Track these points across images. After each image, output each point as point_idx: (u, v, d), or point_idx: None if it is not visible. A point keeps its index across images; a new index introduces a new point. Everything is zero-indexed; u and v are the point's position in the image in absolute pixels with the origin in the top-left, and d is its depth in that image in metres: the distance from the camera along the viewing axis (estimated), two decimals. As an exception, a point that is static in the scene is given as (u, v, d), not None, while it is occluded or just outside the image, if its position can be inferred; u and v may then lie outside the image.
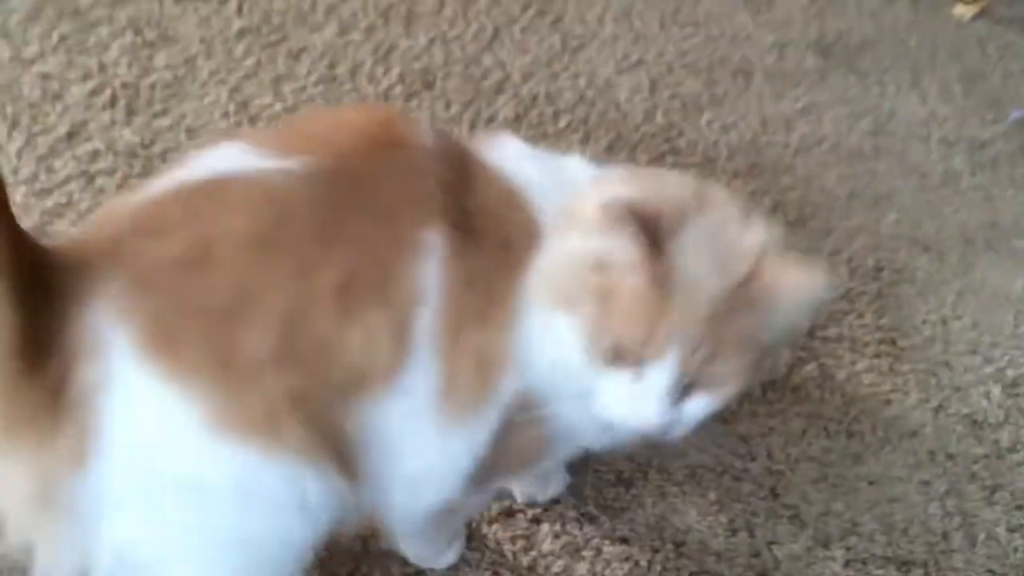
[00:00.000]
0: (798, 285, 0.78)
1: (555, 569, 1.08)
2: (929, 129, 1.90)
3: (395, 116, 0.86)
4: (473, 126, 1.62)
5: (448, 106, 1.64)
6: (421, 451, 0.83)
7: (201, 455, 0.72)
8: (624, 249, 0.76)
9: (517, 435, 0.86)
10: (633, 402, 0.79)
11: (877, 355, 1.42)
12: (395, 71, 1.68)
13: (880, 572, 1.15)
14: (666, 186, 0.83)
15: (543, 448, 0.92)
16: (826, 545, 1.17)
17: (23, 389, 0.69)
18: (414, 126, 0.86)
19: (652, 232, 0.76)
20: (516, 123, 1.65)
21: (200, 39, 1.60)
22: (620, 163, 1.45)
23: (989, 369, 1.43)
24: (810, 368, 1.37)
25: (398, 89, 1.65)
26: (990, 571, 1.17)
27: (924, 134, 1.88)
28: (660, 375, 0.78)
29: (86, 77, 1.45)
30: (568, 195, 0.85)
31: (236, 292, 0.72)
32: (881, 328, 1.45)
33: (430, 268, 0.79)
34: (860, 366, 1.39)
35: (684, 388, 0.79)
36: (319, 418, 0.75)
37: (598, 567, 1.09)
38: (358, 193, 0.78)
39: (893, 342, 1.44)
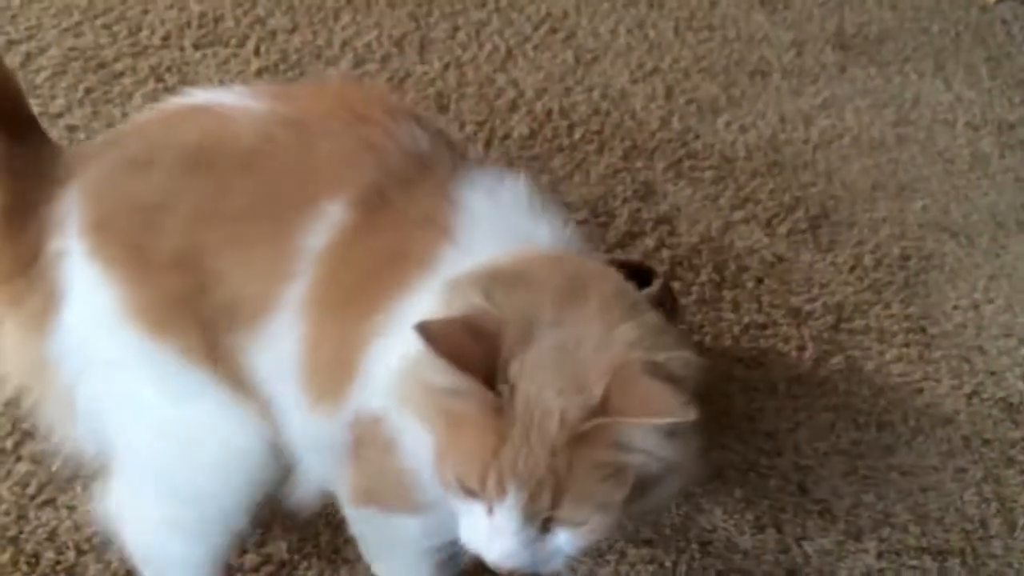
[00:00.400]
0: (653, 410, 0.68)
1: (580, 573, 1.08)
2: (955, 114, 1.86)
3: (379, 96, 0.90)
4: (488, 144, 1.64)
5: (463, 126, 1.67)
6: (293, 417, 0.84)
7: (115, 335, 0.81)
8: (456, 376, 0.69)
9: (370, 458, 0.82)
10: (488, 537, 0.73)
11: (906, 344, 1.39)
12: (410, 97, 1.71)
13: (915, 563, 1.13)
14: (531, 284, 0.74)
15: (401, 493, 0.83)
16: (858, 538, 1.14)
17: (4, 247, 0.82)
18: (394, 111, 0.86)
19: (486, 354, 0.69)
20: (530, 139, 1.67)
21: (220, 81, 1.66)
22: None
23: (1024, 352, 1.39)
24: (836, 360, 1.35)
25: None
26: (1032, 556, 1.14)
27: (950, 120, 1.85)
28: (505, 515, 0.71)
29: (110, 125, 1.51)
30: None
31: (160, 196, 0.81)
32: (909, 317, 1.43)
33: (319, 237, 0.79)
34: (889, 356, 1.37)
35: (543, 523, 0.72)
36: (210, 334, 0.81)
37: (622, 570, 1.08)
38: (297, 143, 0.82)
39: (923, 330, 1.41)
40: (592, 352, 0.71)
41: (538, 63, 1.84)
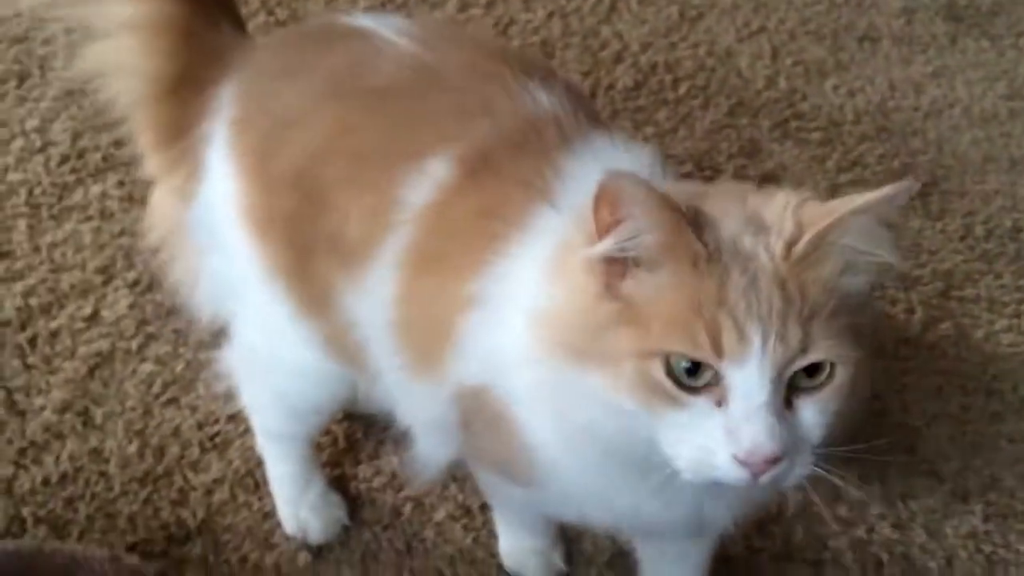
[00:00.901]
0: (851, 206, 0.63)
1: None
2: (1069, 91, 1.81)
3: (518, 53, 0.91)
4: (592, 94, 1.64)
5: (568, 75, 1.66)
6: (398, 387, 0.83)
7: (231, 226, 0.86)
8: (645, 231, 0.62)
9: (481, 432, 0.79)
10: (732, 424, 0.62)
11: (1017, 315, 1.36)
12: (514, 44, 1.71)
13: (1021, 527, 1.11)
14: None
15: (519, 467, 0.78)
16: (965, 500, 1.13)
17: (168, 110, 0.88)
18: (528, 69, 0.84)
19: (674, 202, 0.63)
20: (635, 91, 1.66)
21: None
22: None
23: None
24: (945, 327, 1.33)
25: (518, 59, 1.68)
26: None
27: (1064, 96, 1.79)
28: (750, 380, 0.61)
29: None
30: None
31: (295, 113, 0.83)
32: (1021, 289, 1.40)
33: (420, 192, 0.78)
34: (999, 326, 1.34)
35: (786, 399, 0.63)
36: (305, 257, 0.83)
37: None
38: (423, 92, 0.82)
39: (1036, 303, 1.38)
40: (763, 201, 0.67)
41: (642, 17, 1.82)
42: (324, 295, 0.82)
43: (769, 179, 1.52)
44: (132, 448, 1.03)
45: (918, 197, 1.54)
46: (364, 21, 0.90)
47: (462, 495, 1.07)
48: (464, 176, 0.77)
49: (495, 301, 0.72)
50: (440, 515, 1.06)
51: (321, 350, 0.86)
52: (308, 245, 0.82)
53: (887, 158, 1.60)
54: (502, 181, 0.76)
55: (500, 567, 1.04)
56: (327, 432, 1.10)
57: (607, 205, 0.62)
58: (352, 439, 1.11)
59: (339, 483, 1.08)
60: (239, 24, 0.94)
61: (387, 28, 0.87)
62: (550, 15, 1.79)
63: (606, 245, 0.63)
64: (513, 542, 1.01)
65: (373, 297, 0.79)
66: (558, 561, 1.02)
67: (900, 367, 1.27)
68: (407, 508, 1.06)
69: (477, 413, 0.76)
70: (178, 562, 0.98)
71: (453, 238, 0.77)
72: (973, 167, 1.61)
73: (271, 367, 0.91)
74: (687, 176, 1.49)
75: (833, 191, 1.53)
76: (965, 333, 1.33)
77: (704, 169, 1.53)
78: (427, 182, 0.78)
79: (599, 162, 0.74)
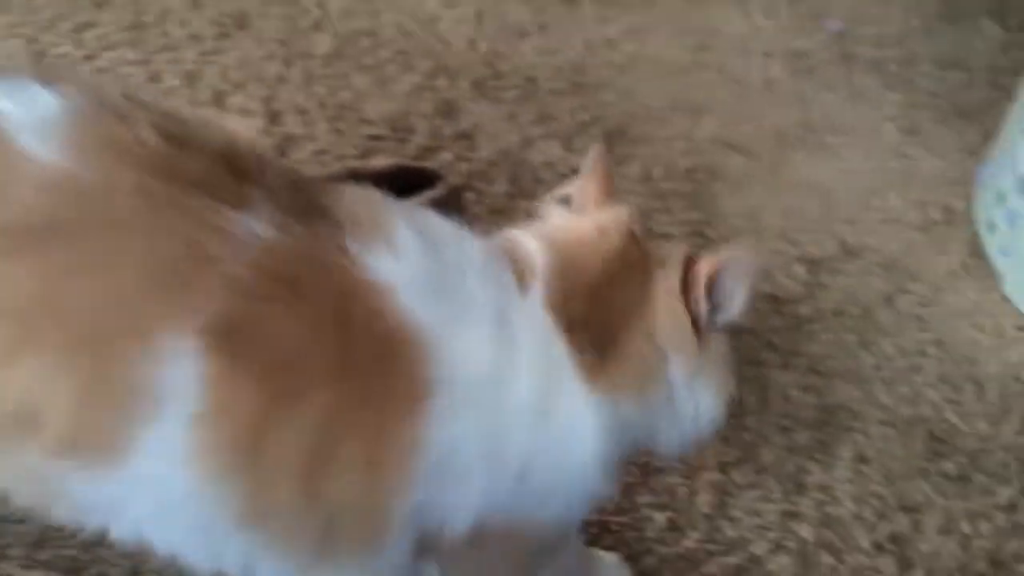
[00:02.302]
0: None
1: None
2: (751, 43, 1.95)
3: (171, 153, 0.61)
4: (288, 64, 1.62)
5: (261, 44, 1.64)
6: None
7: None
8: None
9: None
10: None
11: (679, 239, 1.46)
12: (208, 13, 1.67)
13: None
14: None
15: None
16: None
17: None
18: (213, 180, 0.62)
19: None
20: (334, 58, 1.66)
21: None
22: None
23: (794, 251, 1.48)
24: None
25: (209, 31, 1.64)
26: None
27: (746, 48, 1.93)
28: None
29: None
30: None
31: None
32: (690, 222, 1.49)
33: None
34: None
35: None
36: None
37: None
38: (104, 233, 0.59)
39: (702, 234, 1.48)
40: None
41: (347, -14, 1.83)
42: None
43: (463, 137, 1.56)
44: None
45: (605, 145, 1.61)
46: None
47: None
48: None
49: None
50: None
51: None
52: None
53: (578, 110, 1.67)
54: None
55: None
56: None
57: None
58: None
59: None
60: None
61: (20, 119, 0.59)
62: (251, -14, 1.76)
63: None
64: None
65: None
66: None
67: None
68: None
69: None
70: None
71: None
72: (658, 115, 1.71)
73: None
74: (377, 138, 1.51)
75: (525, 144, 1.58)
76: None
77: (398, 130, 1.55)
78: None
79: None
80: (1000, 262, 1.48)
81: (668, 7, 2.00)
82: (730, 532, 1.07)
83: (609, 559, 0.97)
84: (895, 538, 1.09)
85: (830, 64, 1.94)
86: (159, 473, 0.60)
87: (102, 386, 0.58)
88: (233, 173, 0.62)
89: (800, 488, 1.13)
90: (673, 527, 1.05)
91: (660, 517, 1.06)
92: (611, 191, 0.84)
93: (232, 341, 0.58)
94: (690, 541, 1.04)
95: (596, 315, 0.73)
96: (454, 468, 0.66)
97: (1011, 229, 1.45)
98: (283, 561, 0.65)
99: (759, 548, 1.05)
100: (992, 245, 1.50)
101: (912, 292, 1.45)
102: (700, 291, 0.75)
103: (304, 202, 0.64)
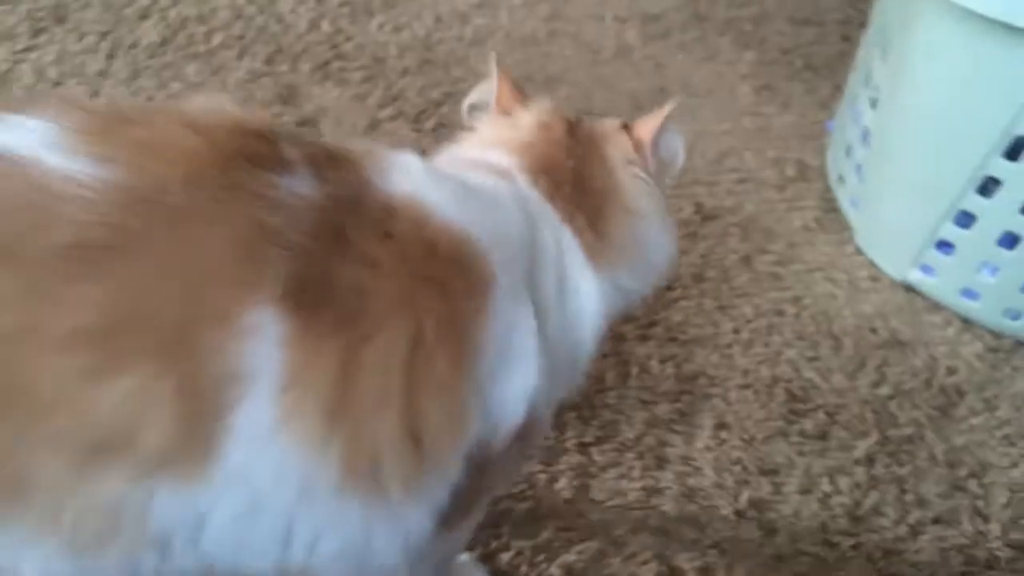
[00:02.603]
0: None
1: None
2: (604, 9, 1.92)
3: (255, 127, 0.61)
4: (111, 56, 1.52)
5: (82, 38, 1.53)
6: None
7: None
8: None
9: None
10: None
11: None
12: (23, 7, 1.55)
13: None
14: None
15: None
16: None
17: None
18: (258, 155, 0.60)
19: None
20: (162, 47, 1.56)
21: None
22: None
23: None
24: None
25: (24, 27, 1.52)
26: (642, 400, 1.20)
27: (599, 14, 1.91)
28: None
29: None
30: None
31: None
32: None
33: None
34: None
35: None
36: None
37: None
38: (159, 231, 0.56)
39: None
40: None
41: (177, -30, 1.72)
42: None
43: (307, 123, 1.49)
44: None
45: (455, 124, 1.56)
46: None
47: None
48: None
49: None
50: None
51: None
52: None
53: (428, 89, 1.62)
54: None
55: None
56: None
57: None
58: None
59: None
60: None
61: (30, 145, 0.55)
62: (68, -25, 1.64)
63: None
64: None
65: None
66: None
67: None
68: None
69: None
70: None
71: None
72: (512, 88, 1.67)
73: None
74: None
75: (373, 127, 1.52)
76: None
77: (235, 121, 1.47)
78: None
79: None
80: (851, 215, 1.49)
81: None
82: (593, 516, 1.04)
83: (462, 558, 0.94)
84: (757, 503, 1.09)
85: (684, 26, 1.93)
86: (250, 460, 0.57)
87: (195, 385, 0.56)
88: (256, 139, 0.61)
89: (661, 462, 1.11)
90: (532, 518, 1.02)
91: (520, 508, 1.03)
92: (523, 89, 0.89)
93: (302, 303, 0.57)
94: (548, 532, 1.01)
95: (583, 200, 0.79)
96: (510, 357, 0.67)
97: (860, 181, 1.46)
98: (377, 511, 0.62)
99: (621, 529, 1.03)
100: (844, 198, 1.52)
101: (769, 251, 1.45)
102: (648, 153, 0.84)
103: (319, 150, 0.64)
